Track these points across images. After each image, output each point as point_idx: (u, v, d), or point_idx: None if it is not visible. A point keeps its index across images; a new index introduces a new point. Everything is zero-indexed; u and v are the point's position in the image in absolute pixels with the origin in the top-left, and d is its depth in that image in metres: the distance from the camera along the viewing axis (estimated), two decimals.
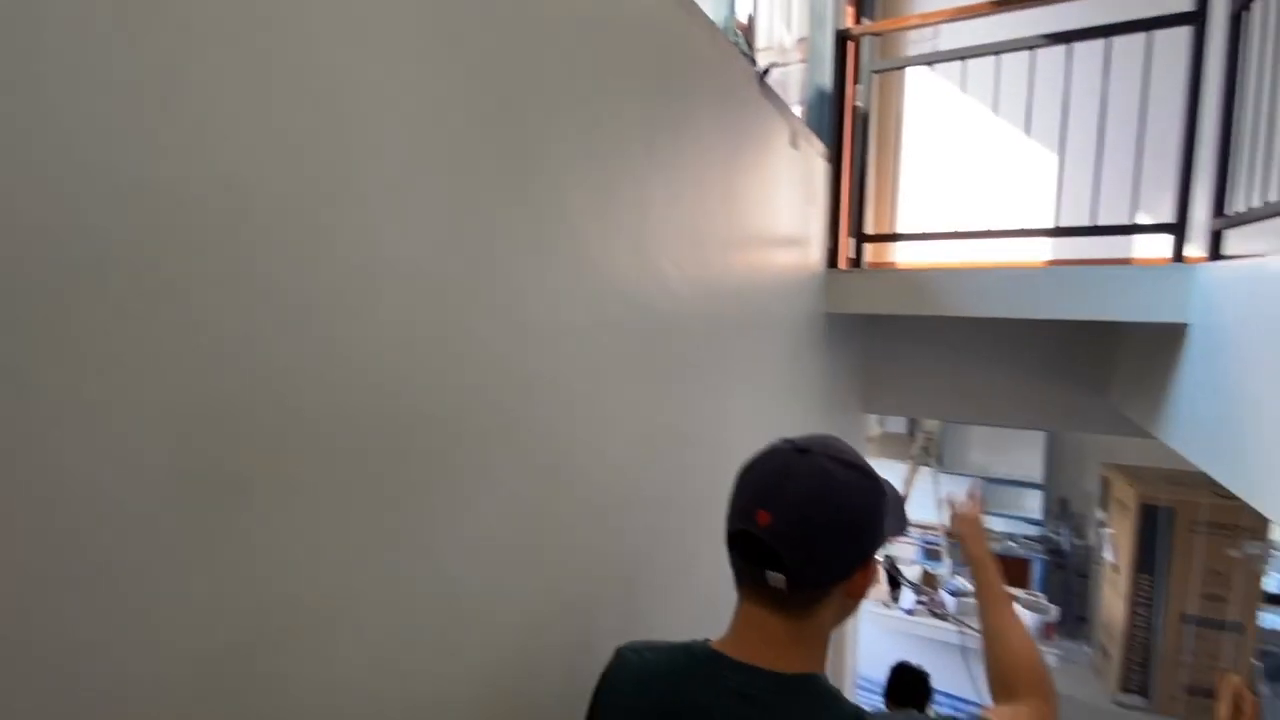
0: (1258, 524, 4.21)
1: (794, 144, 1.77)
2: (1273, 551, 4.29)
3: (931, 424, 6.11)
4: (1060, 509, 5.73)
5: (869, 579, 0.73)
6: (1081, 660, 5.14)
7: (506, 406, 0.80)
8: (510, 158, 0.77)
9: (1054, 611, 4.20)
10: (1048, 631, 4.12)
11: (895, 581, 4.70)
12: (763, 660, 0.69)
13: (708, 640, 0.75)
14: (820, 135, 2.09)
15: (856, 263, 2.25)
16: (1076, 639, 5.42)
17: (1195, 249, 1.76)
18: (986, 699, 0.92)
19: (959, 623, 4.36)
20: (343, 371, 0.57)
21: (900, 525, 0.81)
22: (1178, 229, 1.79)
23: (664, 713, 0.71)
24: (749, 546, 0.68)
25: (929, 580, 4.81)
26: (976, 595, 1.04)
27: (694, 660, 0.73)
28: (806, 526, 0.66)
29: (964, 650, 4.30)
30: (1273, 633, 4.53)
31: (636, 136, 1.05)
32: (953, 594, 4.46)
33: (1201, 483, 4.65)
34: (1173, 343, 1.83)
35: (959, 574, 4.87)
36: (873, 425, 6.50)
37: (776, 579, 0.66)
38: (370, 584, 0.60)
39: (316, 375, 0.53)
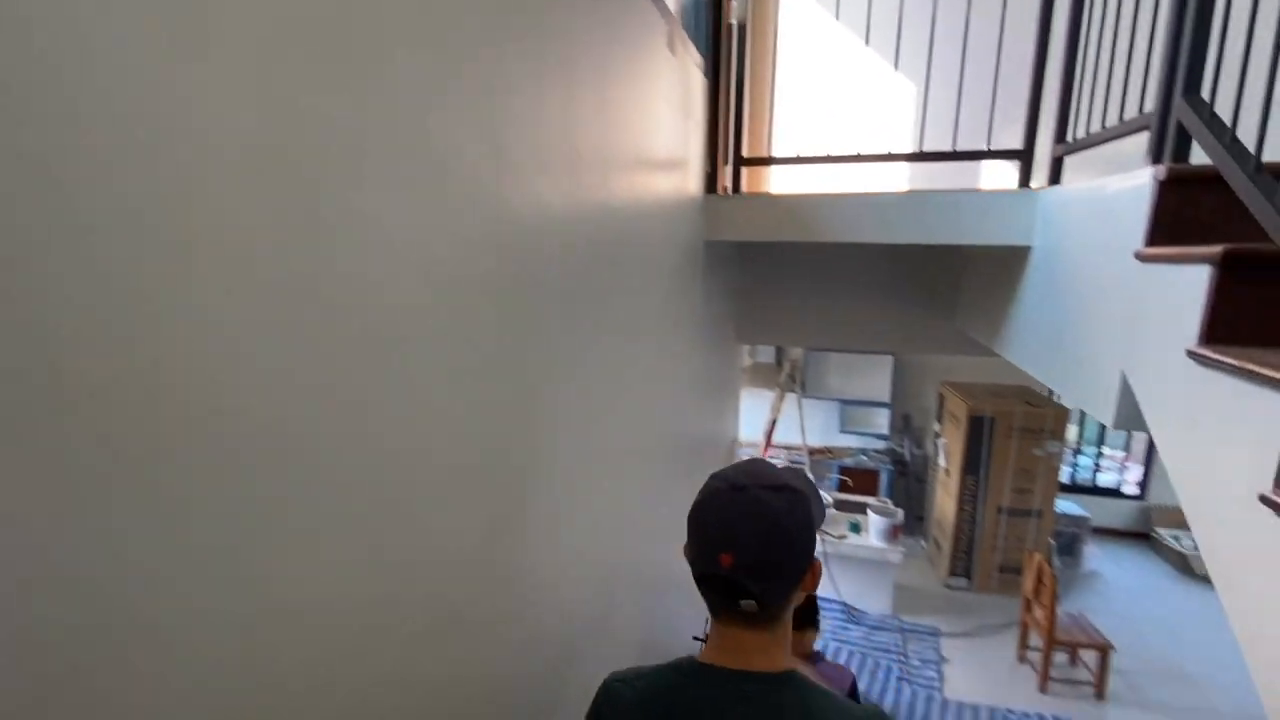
0: (1057, 426, 4.96)
1: (671, 48, 1.64)
2: (1067, 449, 5.08)
3: (796, 353, 6.49)
4: (904, 424, 6.40)
5: (817, 574, 0.83)
6: (919, 554, 5.91)
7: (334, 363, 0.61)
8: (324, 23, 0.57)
9: (900, 515, 4.73)
10: (895, 532, 4.64)
11: None
12: (749, 665, 0.78)
13: (693, 657, 0.83)
14: (696, 46, 1.97)
15: (735, 188, 2.21)
16: (915, 536, 6.21)
17: (1041, 179, 1.89)
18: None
19: (822, 532, 4.79)
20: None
21: (823, 512, 0.89)
22: (1025, 155, 1.93)
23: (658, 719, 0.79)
24: (719, 585, 0.77)
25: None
26: None
27: (686, 675, 0.81)
28: (765, 558, 0.76)
29: (824, 555, 4.74)
30: (1064, 516, 5.44)
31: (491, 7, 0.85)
32: None
33: (1017, 395, 5.40)
34: (1014, 266, 1.99)
35: (820, 488, 5.32)
36: (744, 357, 6.80)
37: (750, 605, 0.76)
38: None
39: None
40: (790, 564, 0.79)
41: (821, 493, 4.82)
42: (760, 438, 5.87)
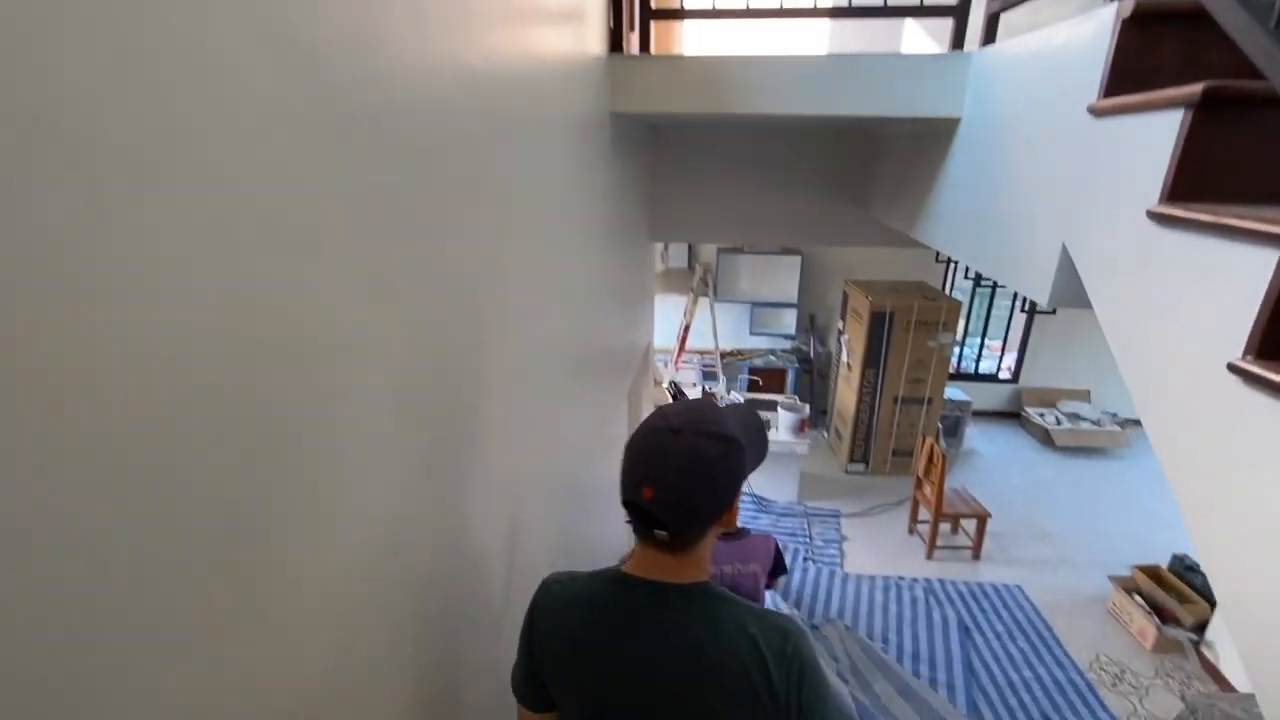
0: (950, 319, 5.22)
1: None
2: (956, 339, 5.36)
3: (708, 257, 6.38)
4: (810, 324, 6.56)
5: (734, 515, 0.88)
6: (822, 444, 6.26)
7: None
8: None
9: (806, 409, 4.90)
10: (801, 425, 4.82)
11: (677, 400, 5.05)
12: (665, 577, 0.85)
13: (618, 568, 0.89)
14: None
15: (644, 47, 1.90)
16: (819, 428, 6.54)
17: (975, 44, 1.74)
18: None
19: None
20: None
21: (763, 451, 0.93)
22: (959, 11, 1.75)
23: (589, 631, 0.86)
24: (638, 512, 0.82)
25: (708, 397, 5.27)
26: None
27: (610, 583, 0.88)
28: (682, 499, 0.80)
29: None
30: (950, 401, 5.85)
31: None
32: None
33: (915, 290, 5.61)
34: (936, 146, 1.88)
35: (731, 388, 5.40)
36: (658, 261, 6.62)
37: (663, 536, 0.82)
38: None
39: None
40: (707, 508, 0.83)
41: (735, 394, 4.84)
42: (674, 343, 5.81)
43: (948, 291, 6.07)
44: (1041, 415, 6.44)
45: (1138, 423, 6.64)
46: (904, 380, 5.40)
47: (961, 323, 5.20)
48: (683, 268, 6.37)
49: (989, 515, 4.46)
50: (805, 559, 4.51)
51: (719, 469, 0.82)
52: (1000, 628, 3.91)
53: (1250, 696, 1.24)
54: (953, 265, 5.73)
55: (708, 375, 6.36)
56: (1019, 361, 6.81)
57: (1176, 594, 3.84)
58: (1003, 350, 7.03)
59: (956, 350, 6.52)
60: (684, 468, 0.80)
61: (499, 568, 1.26)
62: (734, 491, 0.86)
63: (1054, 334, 6.56)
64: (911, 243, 2.64)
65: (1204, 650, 3.61)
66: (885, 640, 3.76)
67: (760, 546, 2.26)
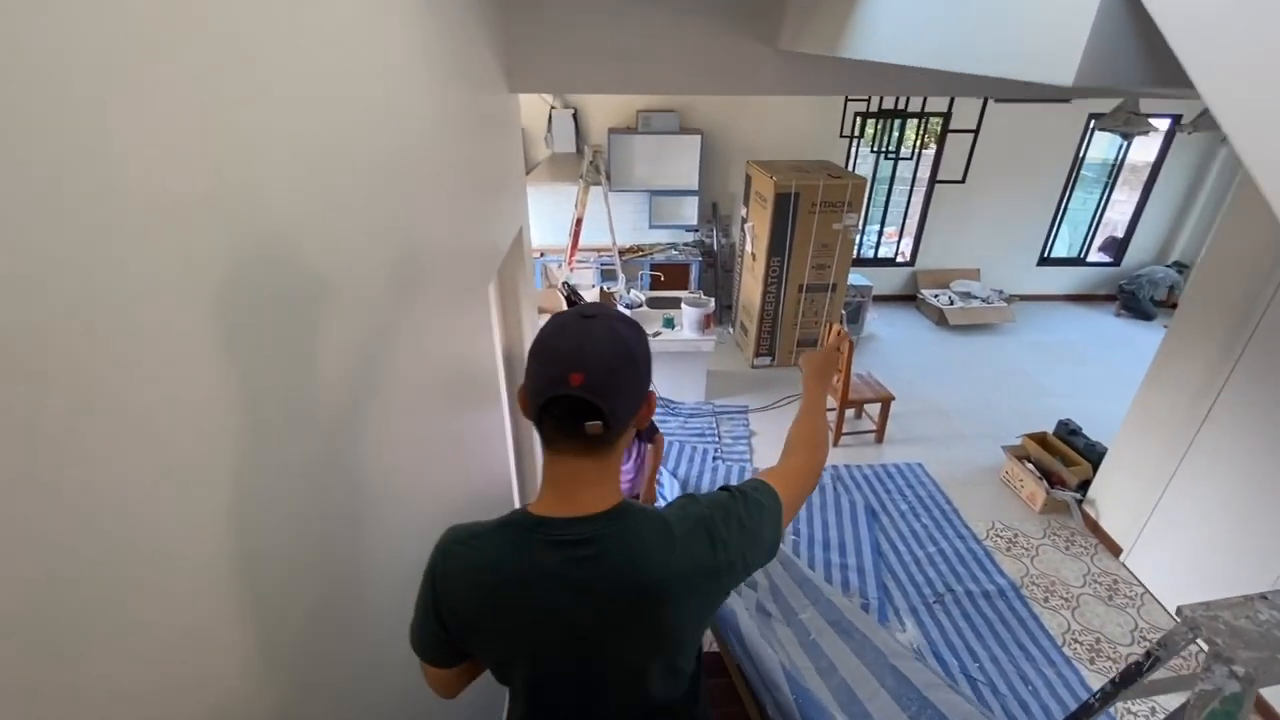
0: (855, 197, 4.95)
1: None
2: (858, 223, 5.12)
3: (599, 141, 5.68)
4: (712, 213, 6.13)
5: (652, 408, 0.85)
6: (728, 340, 6.05)
7: None
8: None
9: (710, 304, 4.58)
10: (707, 321, 4.51)
11: (574, 304, 4.56)
12: (582, 507, 0.80)
13: (526, 509, 0.82)
14: None
15: None
16: (724, 324, 6.31)
17: None
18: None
19: None
20: None
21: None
22: None
23: (508, 589, 0.79)
24: (566, 406, 0.74)
25: (606, 298, 4.81)
26: (809, 405, 1.19)
27: (521, 531, 0.80)
28: (612, 376, 0.75)
29: None
30: (852, 287, 5.73)
31: None
32: (628, 307, 4.52)
33: (820, 169, 5.27)
34: None
35: (631, 287, 4.95)
36: (542, 146, 5.84)
37: (594, 426, 0.74)
38: None
39: None
40: (634, 387, 0.79)
41: (635, 293, 4.36)
42: (567, 240, 5.20)
43: (850, 169, 5.78)
44: (936, 296, 6.52)
45: (1023, 298, 6.95)
46: (809, 267, 5.16)
47: (865, 201, 4.95)
48: (571, 153, 5.66)
49: (893, 398, 4.43)
50: (715, 458, 4.34)
51: (640, 348, 0.80)
52: (904, 506, 3.94)
53: (1253, 599, 1.02)
54: (855, 140, 5.41)
55: (606, 275, 5.86)
56: (915, 244, 6.79)
57: (1062, 457, 3.99)
58: (899, 236, 6.98)
59: (858, 235, 6.35)
60: (610, 349, 0.76)
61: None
62: (649, 376, 0.82)
63: (947, 216, 6.53)
64: (830, 83, 2.19)
65: (1086, 508, 3.80)
66: (796, 532, 3.69)
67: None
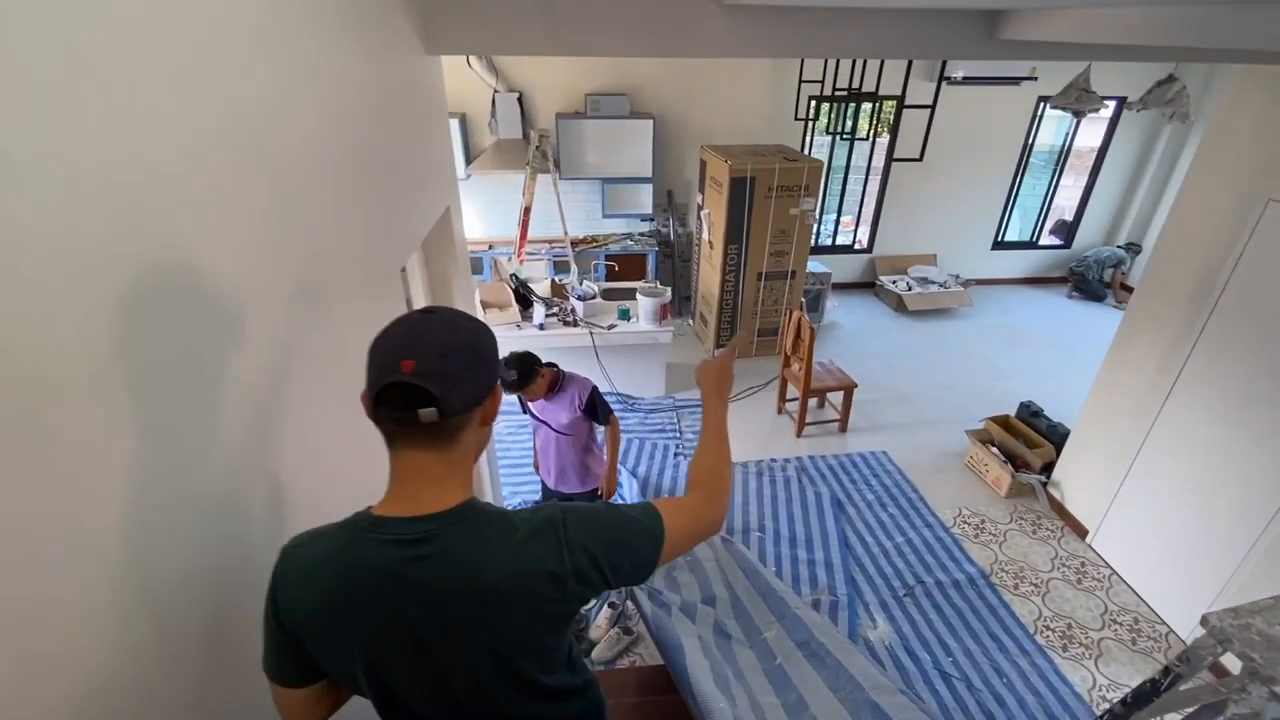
0: (812, 181, 4.81)
1: None
2: (817, 206, 4.99)
3: (545, 125, 5.42)
4: (668, 201, 5.94)
5: (497, 403, 0.82)
6: (687, 332, 5.87)
7: None
8: None
9: (667, 293, 4.38)
10: (663, 312, 4.32)
11: (526, 300, 4.31)
12: (424, 506, 0.76)
13: (369, 509, 0.79)
14: None
15: None
16: (683, 315, 6.14)
17: None
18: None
19: (590, 325, 4.26)
20: None
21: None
22: None
23: (344, 589, 0.75)
24: (399, 394, 0.71)
25: (558, 291, 4.57)
26: (709, 426, 1.08)
27: (359, 531, 0.77)
28: (446, 361, 0.73)
29: (595, 349, 4.29)
30: (811, 274, 5.62)
31: None
32: (581, 299, 4.29)
33: (775, 153, 5.12)
34: None
35: (585, 279, 4.72)
36: (485, 132, 5.54)
37: (429, 413, 0.71)
38: None
39: None
40: (472, 376, 0.76)
41: (588, 284, 4.11)
42: (515, 231, 4.93)
43: (807, 154, 5.66)
44: (894, 283, 6.48)
45: (979, 282, 6.98)
46: (767, 254, 5.01)
47: (822, 184, 4.83)
48: (517, 138, 5.38)
49: (855, 385, 4.32)
50: (677, 454, 4.15)
51: (480, 337, 0.78)
52: (870, 496, 3.82)
53: None
54: (810, 124, 5.28)
55: (559, 267, 5.61)
56: (872, 231, 6.73)
57: (1025, 440, 3.94)
58: (856, 224, 6.91)
59: (816, 220, 6.24)
60: (444, 336, 0.75)
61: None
62: (493, 369, 0.80)
63: (903, 202, 6.49)
64: (784, 40, 2.01)
65: (1051, 490, 3.75)
66: (762, 528, 3.53)
67: (572, 394, 2.45)
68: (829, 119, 5.60)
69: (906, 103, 4.51)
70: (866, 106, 5.72)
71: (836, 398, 4.54)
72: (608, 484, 2.76)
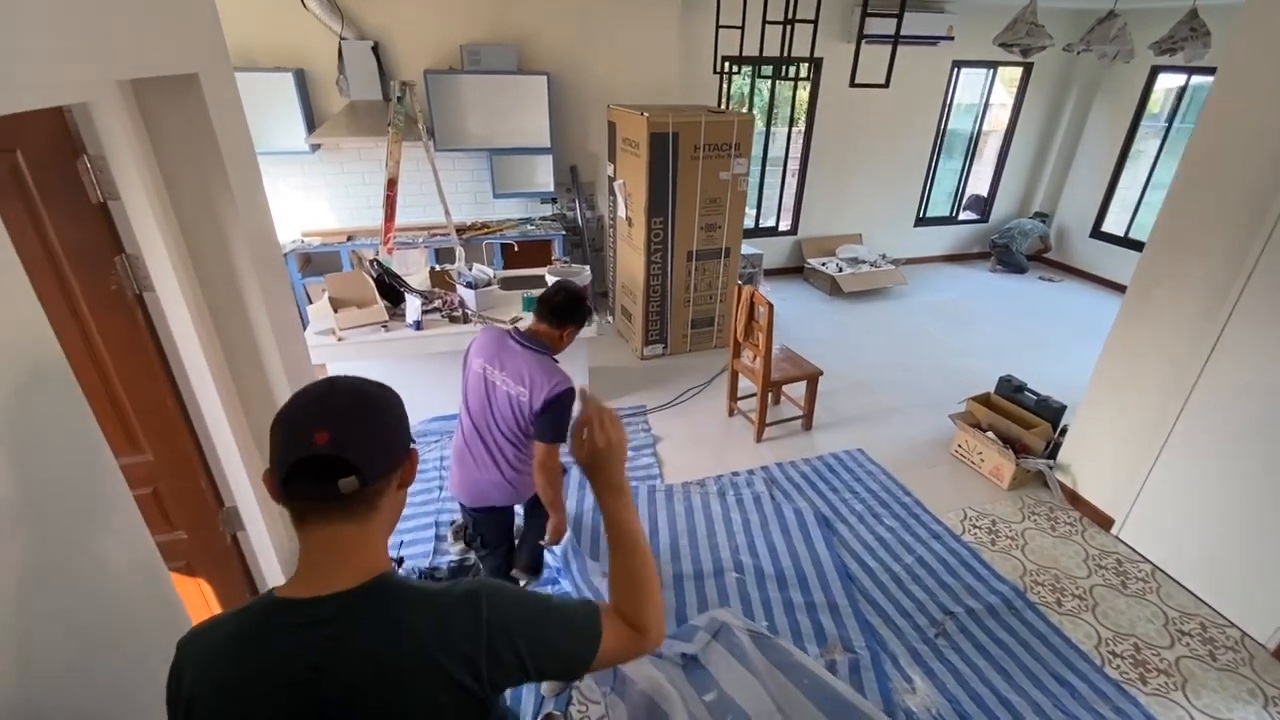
0: (743, 139, 4.08)
1: None
2: (749, 168, 4.28)
3: (412, 77, 4.34)
4: (572, 179, 5.02)
5: (414, 465, 0.78)
6: (608, 332, 4.96)
7: None
8: None
9: (587, 272, 3.46)
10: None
11: (395, 294, 3.22)
12: (331, 585, 0.70)
13: (271, 592, 0.72)
14: None
15: None
16: (600, 312, 5.22)
17: None
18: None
19: (486, 320, 3.24)
20: None
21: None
22: None
23: (241, 678, 0.68)
24: (313, 469, 0.67)
25: (439, 280, 3.51)
26: (609, 530, 0.89)
27: (253, 617, 0.71)
28: (361, 426, 0.70)
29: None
30: (744, 256, 4.90)
31: None
32: (471, 286, 3.26)
33: (698, 109, 4.37)
34: None
35: (474, 263, 3.68)
36: (333, 93, 4.36)
37: (349, 483, 0.67)
38: None
39: None
40: (389, 439, 0.74)
41: (481, 269, 3.00)
42: (380, 213, 3.79)
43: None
44: (824, 265, 5.94)
45: (906, 261, 6.63)
46: (697, 228, 4.22)
47: (752, 142, 4.12)
48: (375, 100, 4.26)
49: (821, 373, 3.58)
50: None
51: (389, 397, 0.75)
52: (860, 507, 3.07)
53: None
54: (726, 79, 4.59)
55: (442, 256, 4.52)
56: (795, 212, 6.18)
57: (1016, 419, 3.36)
58: (779, 208, 6.33)
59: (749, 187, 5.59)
60: (355, 403, 0.71)
61: None
62: (406, 430, 0.77)
63: (825, 181, 5.99)
64: None
65: (1059, 476, 3.17)
66: (738, 566, 2.66)
67: (540, 373, 1.81)
68: (747, 87, 4.94)
69: (824, 68, 3.95)
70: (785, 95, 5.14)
71: (794, 390, 3.79)
72: (556, 527, 1.99)
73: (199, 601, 1.69)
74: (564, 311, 1.87)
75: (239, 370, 1.57)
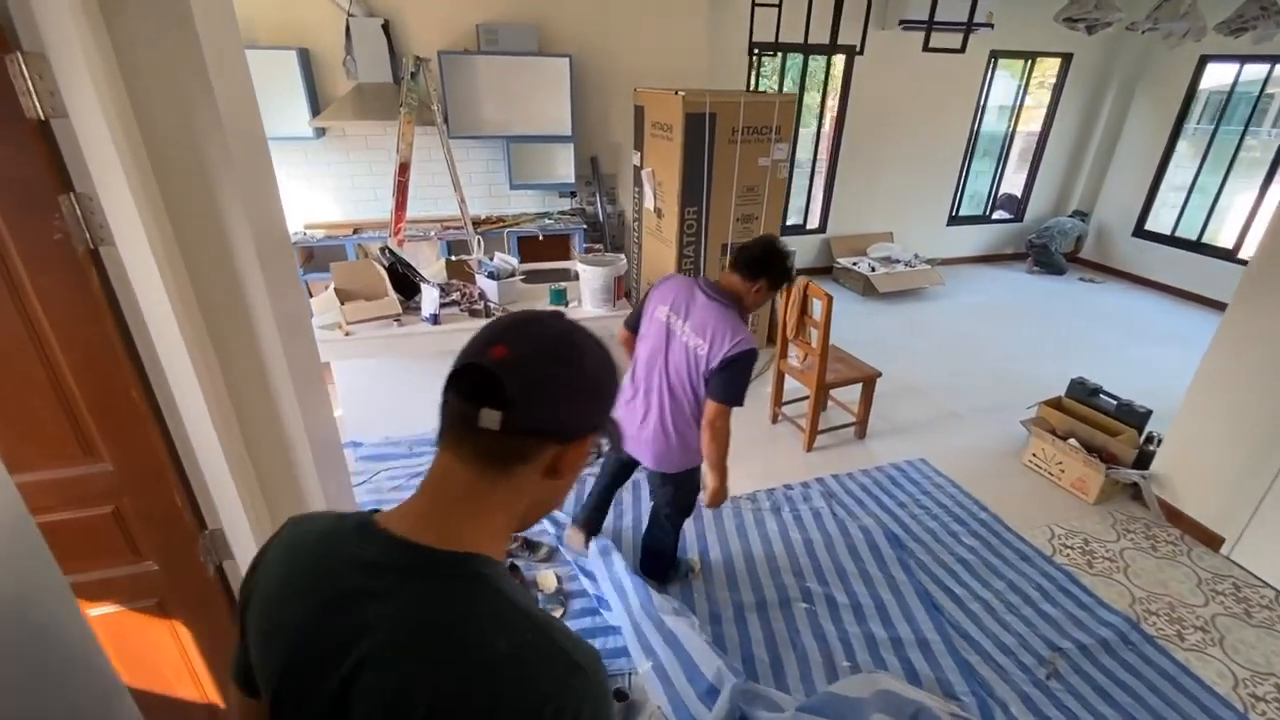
0: (785, 123, 3.77)
1: None
2: (789, 154, 3.95)
3: (427, 54, 4.03)
4: (592, 171, 4.70)
5: (584, 456, 0.62)
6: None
7: None
8: None
9: (623, 262, 3.12)
10: (618, 288, 3.04)
11: (407, 284, 2.89)
12: (420, 532, 0.57)
13: (375, 511, 0.62)
14: None
15: None
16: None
17: None
18: None
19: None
20: None
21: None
22: None
23: (303, 578, 0.59)
24: (471, 381, 0.55)
25: (457, 271, 3.18)
26: None
27: (343, 528, 0.60)
28: (542, 364, 0.57)
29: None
30: None
31: None
32: (494, 277, 2.93)
33: (734, 91, 4.06)
34: None
35: (497, 252, 3.35)
36: (340, 76, 4.05)
37: (491, 417, 0.54)
38: None
39: None
40: (570, 401, 0.58)
41: (504, 259, 2.83)
42: (390, 203, 3.46)
43: None
44: (856, 264, 5.62)
45: (940, 262, 6.31)
46: (733, 219, 3.90)
47: (796, 126, 3.82)
48: (385, 82, 3.96)
49: (879, 374, 3.24)
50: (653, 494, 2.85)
51: (596, 358, 0.60)
52: (933, 524, 2.72)
53: None
54: (756, 66, 4.31)
55: (456, 249, 4.19)
56: (824, 209, 5.88)
57: (1099, 427, 3.02)
58: (806, 205, 6.03)
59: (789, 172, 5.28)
60: (556, 336, 0.58)
61: None
62: (599, 408, 0.61)
63: (855, 177, 5.69)
64: None
65: (1156, 489, 2.82)
66: (806, 595, 2.30)
67: (723, 327, 1.68)
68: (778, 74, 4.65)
69: (856, 59, 3.67)
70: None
71: (842, 395, 3.45)
72: (715, 491, 1.91)
73: (172, 649, 1.33)
74: (760, 264, 1.75)
75: (228, 355, 1.23)
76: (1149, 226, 5.94)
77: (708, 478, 1.90)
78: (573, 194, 4.79)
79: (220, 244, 1.14)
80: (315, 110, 3.93)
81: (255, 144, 1.23)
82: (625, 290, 3.16)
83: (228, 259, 1.16)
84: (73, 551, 1.20)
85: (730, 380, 1.70)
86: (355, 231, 4.18)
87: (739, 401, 1.73)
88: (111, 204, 1.00)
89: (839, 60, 5.28)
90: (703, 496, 1.95)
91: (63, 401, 1.08)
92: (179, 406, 1.17)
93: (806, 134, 5.99)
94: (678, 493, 2.09)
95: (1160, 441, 2.86)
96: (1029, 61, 5.86)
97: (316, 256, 4.22)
